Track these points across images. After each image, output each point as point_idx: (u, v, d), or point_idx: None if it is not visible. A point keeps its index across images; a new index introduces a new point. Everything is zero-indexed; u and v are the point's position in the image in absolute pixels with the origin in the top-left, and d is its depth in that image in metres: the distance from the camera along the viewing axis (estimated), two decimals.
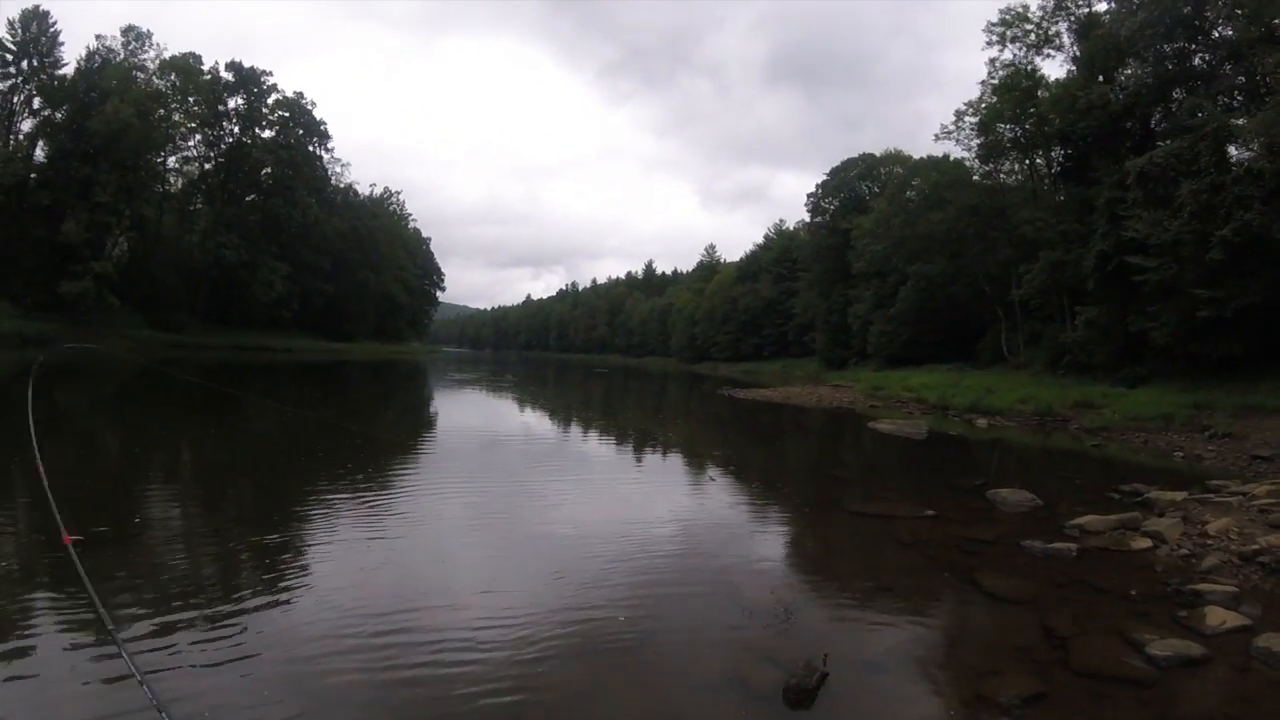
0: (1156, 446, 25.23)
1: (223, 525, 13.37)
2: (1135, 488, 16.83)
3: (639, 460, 23.12)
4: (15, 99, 70.33)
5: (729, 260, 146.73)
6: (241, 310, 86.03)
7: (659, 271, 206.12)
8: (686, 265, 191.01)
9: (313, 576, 10.25)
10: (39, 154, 71.56)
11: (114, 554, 10.56)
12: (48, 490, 11.42)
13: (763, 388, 58.89)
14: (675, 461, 23.35)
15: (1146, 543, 12.22)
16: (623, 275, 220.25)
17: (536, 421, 34.70)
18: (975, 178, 57.41)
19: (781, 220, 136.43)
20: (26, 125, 72.06)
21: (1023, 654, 8.19)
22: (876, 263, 66.95)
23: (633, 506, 15.56)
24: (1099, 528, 13.03)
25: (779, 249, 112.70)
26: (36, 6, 69.19)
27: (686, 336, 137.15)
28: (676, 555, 11.85)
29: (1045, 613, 9.29)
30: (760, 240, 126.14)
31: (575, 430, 31.16)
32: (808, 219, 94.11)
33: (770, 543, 13.49)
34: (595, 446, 26.03)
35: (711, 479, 19.40)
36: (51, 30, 70.09)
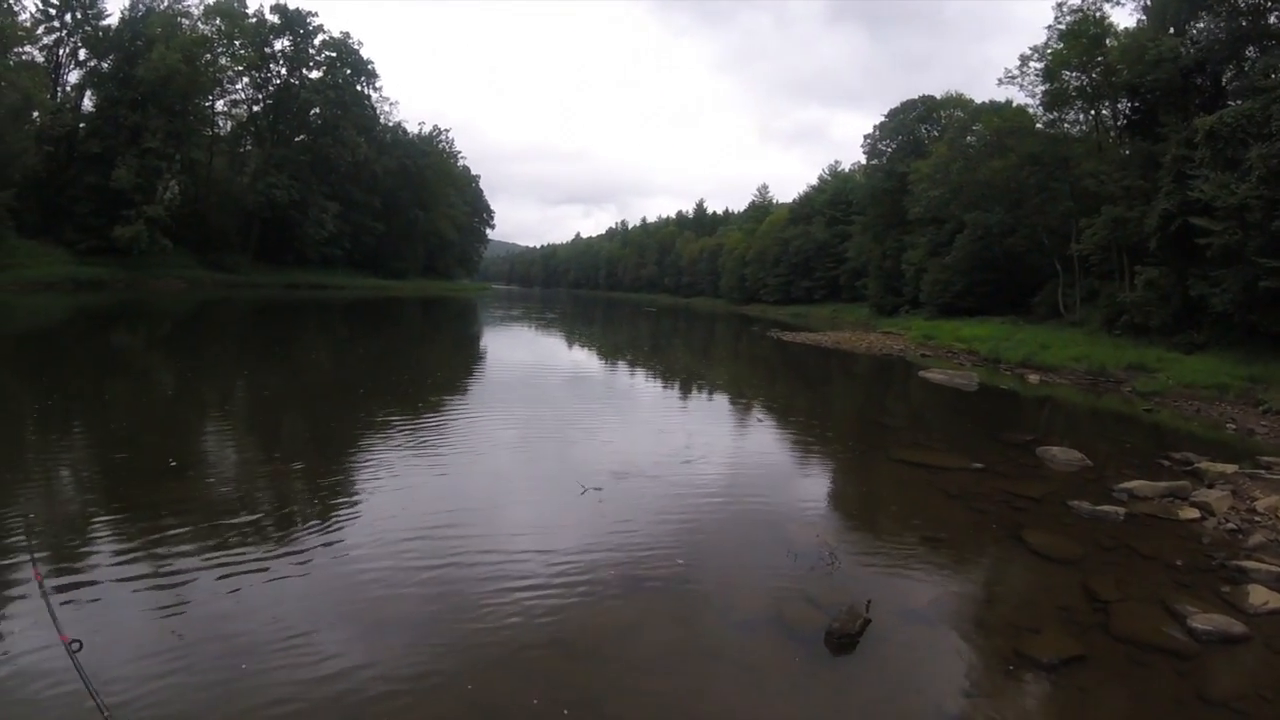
0: (1209, 416, 24.63)
1: (279, 458, 13.93)
2: (1186, 456, 16.50)
3: (686, 400, 23.16)
4: (61, 51, 71.05)
5: (782, 201, 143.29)
6: (293, 249, 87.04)
7: (710, 211, 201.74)
8: (738, 205, 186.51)
9: (364, 508, 10.61)
10: (87, 103, 72.59)
11: (176, 487, 11.18)
12: None
13: (812, 332, 58.57)
14: (722, 402, 23.45)
15: (1194, 513, 12.06)
16: (673, 214, 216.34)
17: (585, 359, 35.06)
18: (1038, 126, 54.96)
19: (837, 162, 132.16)
20: (73, 77, 73.05)
21: (1064, 614, 8.19)
22: (933, 209, 64.55)
23: (680, 445, 15.53)
24: (1147, 494, 12.90)
25: (833, 191, 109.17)
26: None
27: (736, 277, 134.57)
28: (722, 495, 11.96)
29: (1089, 575, 9.25)
30: (814, 182, 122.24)
31: (623, 368, 31.33)
32: (864, 161, 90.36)
33: (816, 487, 13.70)
34: (643, 385, 26.15)
35: (759, 420, 19.53)
36: None
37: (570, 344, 43.40)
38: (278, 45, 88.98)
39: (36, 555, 7.19)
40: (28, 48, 62.70)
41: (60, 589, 7.44)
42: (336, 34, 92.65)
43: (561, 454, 14.74)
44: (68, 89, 72.49)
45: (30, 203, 60.63)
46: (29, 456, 13.10)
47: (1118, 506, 11.94)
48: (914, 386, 29.53)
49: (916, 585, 8.77)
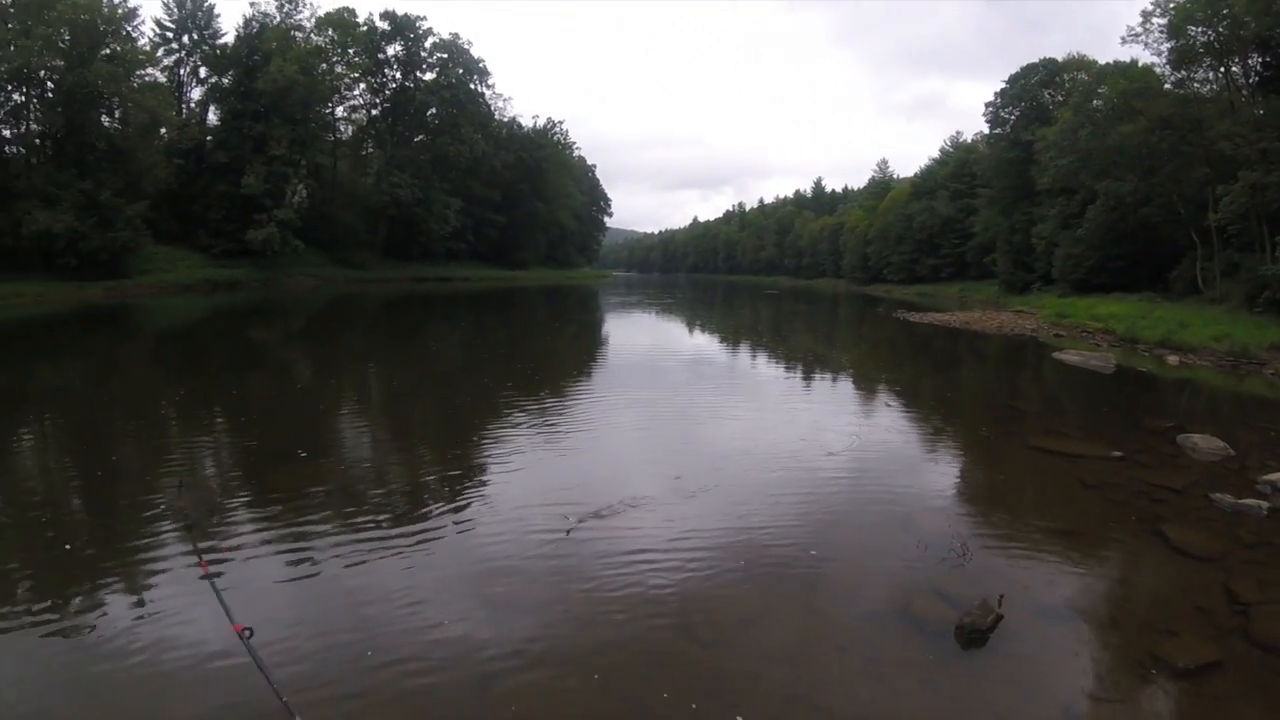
0: None
1: (409, 442, 15.04)
2: None
3: (810, 384, 22.86)
4: (182, 71, 77.18)
5: (903, 176, 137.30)
6: (419, 244, 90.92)
7: (829, 189, 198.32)
8: (857, 182, 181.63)
9: (491, 491, 11.12)
10: (212, 117, 78.05)
11: (312, 471, 12.09)
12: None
13: (939, 312, 56.84)
14: (848, 386, 23.04)
15: None
16: (791, 194, 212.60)
17: (707, 343, 34.97)
18: (1166, 86, 50.91)
19: (958, 133, 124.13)
20: (196, 93, 78.98)
21: (1203, 616, 7.74)
22: (1062, 178, 60.39)
23: (805, 430, 15.36)
24: None
25: (956, 163, 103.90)
26: None
27: (858, 257, 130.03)
28: (850, 481, 11.80)
29: (1230, 574, 8.73)
30: (935, 155, 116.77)
31: (745, 352, 31.27)
32: (986, 131, 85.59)
33: (947, 474, 13.27)
34: (766, 369, 25.99)
35: (887, 405, 19.12)
36: (206, 5, 75.92)
37: (690, 328, 43.49)
38: (390, 51, 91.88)
39: (201, 546, 7.64)
40: (150, 70, 66.51)
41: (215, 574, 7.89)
42: (445, 36, 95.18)
43: (685, 438, 14.84)
44: (192, 105, 78.29)
45: (165, 212, 64.41)
46: (178, 446, 14.46)
47: (1261, 500, 11.16)
48: (1048, 368, 28.31)
49: (1050, 580, 8.47)
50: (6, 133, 58.73)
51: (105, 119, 59.76)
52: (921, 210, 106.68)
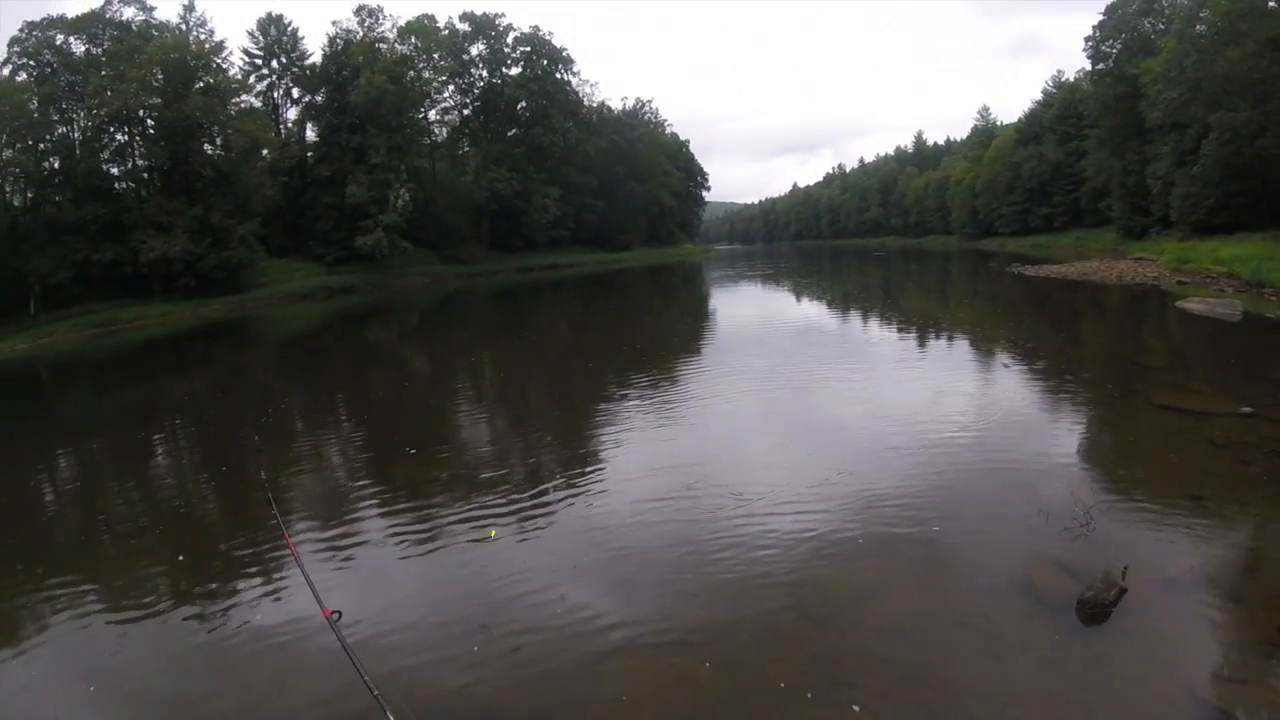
0: None
1: (525, 424, 15.55)
2: None
3: (924, 347, 22.24)
4: (275, 94, 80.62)
5: (1006, 123, 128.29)
6: (522, 235, 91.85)
7: (930, 142, 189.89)
8: (959, 133, 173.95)
9: (606, 470, 11.38)
10: (310, 134, 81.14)
11: (431, 458, 12.86)
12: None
13: (1055, 264, 53.99)
14: (963, 347, 22.29)
15: None
16: (891, 151, 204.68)
17: (815, 311, 34.40)
18: (1272, 4, 47.63)
19: (1060, 72, 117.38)
20: (292, 113, 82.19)
21: None
22: (1172, 112, 56.08)
23: (920, 396, 15.02)
24: None
25: (1061, 105, 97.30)
26: (269, 12, 78.22)
27: (967, 211, 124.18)
28: (968, 448, 11.38)
29: None
30: (1038, 97, 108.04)
31: (855, 318, 30.59)
32: (1089, 68, 78.60)
33: (1068, 436, 12.60)
34: (877, 334, 25.39)
35: (1005, 365, 18.44)
36: (290, 29, 78.85)
37: (797, 297, 42.88)
38: (473, 50, 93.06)
39: (291, 530, 8.77)
40: (244, 96, 69.99)
41: (320, 559, 9.02)
42: (525, 29, 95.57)
43: (797, 409, 14.76)
44: (289, 124, 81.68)
45: (276, 228, 68.20)
46: (304, 442, 15.80)
47: None
48: (1171, 319, 26.65)
49: (1177, 549, 7.99)
50: (114, 170, 62.62)
51: (208, 147, 63.29)
52: (1029, 157, 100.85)
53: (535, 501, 10.36)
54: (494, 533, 9.23)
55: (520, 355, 25.28)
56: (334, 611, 5.80)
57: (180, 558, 9.53)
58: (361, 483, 12.22)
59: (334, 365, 28.09)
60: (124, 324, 50.21)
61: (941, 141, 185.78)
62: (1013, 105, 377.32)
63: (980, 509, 9.08)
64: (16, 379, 34.79)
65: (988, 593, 7.18)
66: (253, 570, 9.00)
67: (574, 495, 10.44)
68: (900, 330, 26.00)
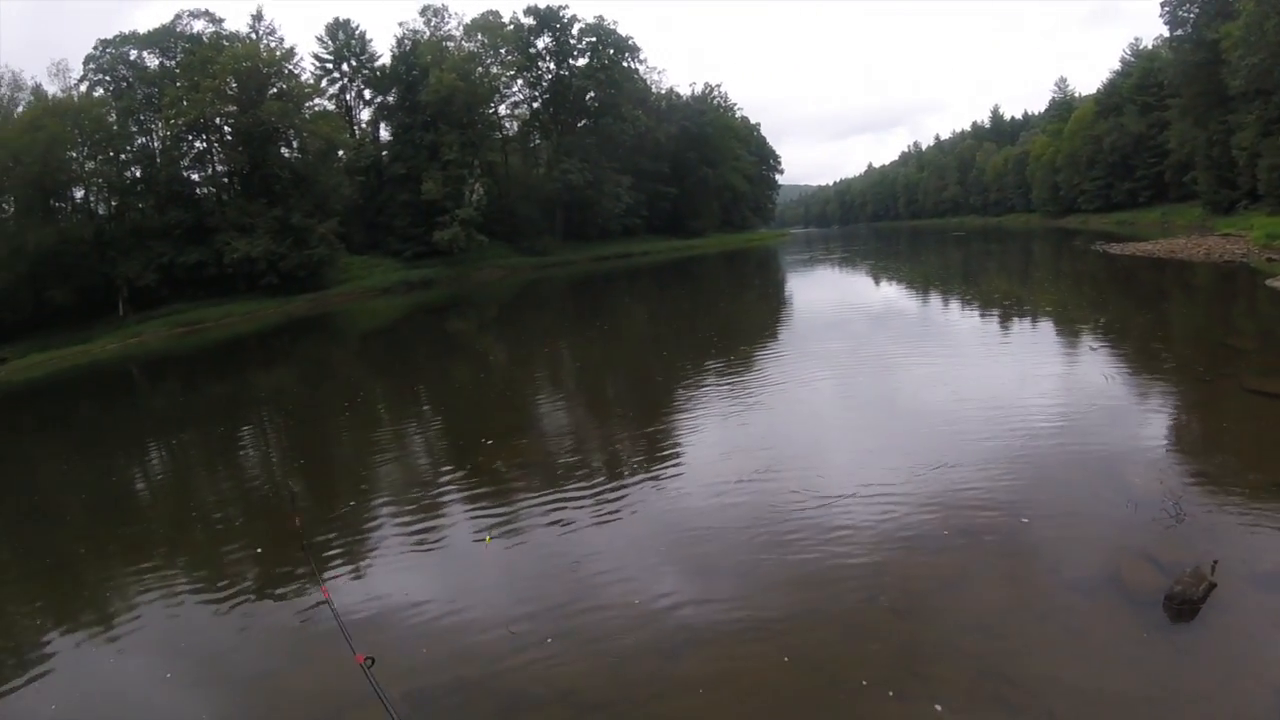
0: None
1: (601, 415, 15.56)
2: None
3: (1007, 329, 21.31)
4: (348, 96, 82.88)
5: (1084, 94, 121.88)
6: (595, 225, 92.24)
7: (1007, 117, 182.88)
8: (1036, 106, 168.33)
9: (686, 456, 11.35)
10: (384, 134, 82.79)
11: (513, 446, 13.06)
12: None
13: (1140, 241, 50.95)
14: (1047, 330, 21.17)
15: None
16: (968, 127, 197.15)
17: (893, 294, 33.55)
18: None
19: (1137, 39, 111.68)
20: (365, 114, 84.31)
21: None
22: (1255, 79, 52.43)
23: (1004, 379, 14.48)
24: None
25: (1140, 73, 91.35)
26: (337, 18, 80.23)
27: (1048, 187, 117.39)
28: (1054, 434, 10.83)
29: None
30: (1117, 67, 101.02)
31: (935, 300, 29.61)
32: (1167, 34, 74.42)
33: (1157, 423, 11.91)
34: (958, 317, 24.56)
35: (1091, 348, 17.41)
36: (358, 32, 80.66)
37: (876, 280, 41.86)
38: (540, 44, 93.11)
39: (373, 515, 9.65)
40: (318, 100, 72.36)
41: (401, 544, 9.48)
42: (590, 20, 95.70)
43: (878, 395, 14.41)
44: (363, 125, 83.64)
45: (355, 225, 69.88)
46: (389, 431, 16.45)
47: None
48: (1262, 298, 24.89)
49: (1269, 543, 7.45)
50: (195, 176, 65.91)
51: (285, 150, 65.32)
52: (1109, 129, 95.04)
53: (613, 487, 10.44)
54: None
55: (595, 344, 25.36)
56: (367, 658, 5.82)
57: (259, 550, 9.93)
58: (442, 470, 12.68)
59: (414, 357, 28.56)
60: (210, 322, 52.09)
61: (1019, 116, 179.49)
62: (1091, 76, 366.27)
63: (1066, 498, 8.66)
64: (108, 377, 35.96)
65: (1073, 586, 6.88)
66: (330, 560, 9.24)
67: (651, 481, 10.50)
68: (982, 312, 25.11)
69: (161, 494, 14.75)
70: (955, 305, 27.57)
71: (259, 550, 9.86)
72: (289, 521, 9.65)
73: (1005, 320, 22.59)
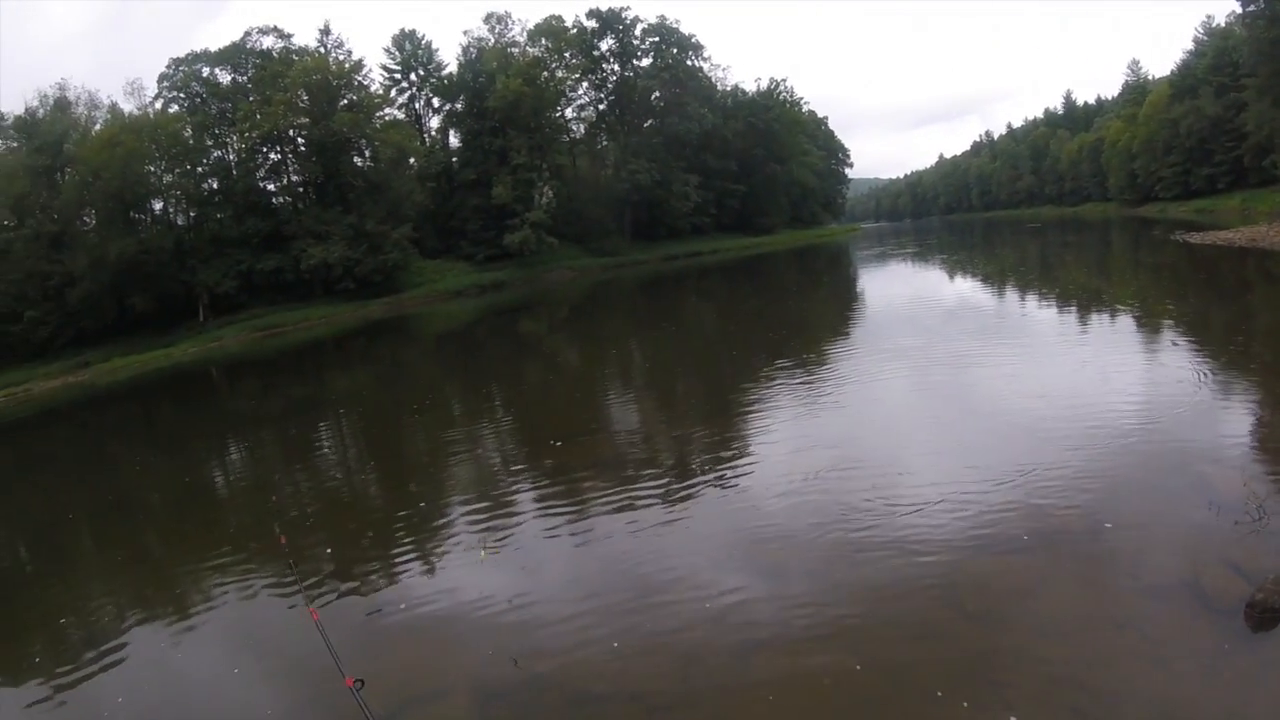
0: None
1: (671, 414, 15.50)
2: None
3: (1084, 324, 20.47)
4: (416, 104, 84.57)
5: (1158, 76, 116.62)
6: (664, 225, 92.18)
7: (1080, 102, 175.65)
8: (1109, 90, 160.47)
9: (756, 456, 11.18)
10: (453, 140, 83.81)
11: (585, 445, 13.07)
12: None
13: (1220, 229, 48.28)
14: (1125, 325, 20.06)
15: None
16: (1040, 114, 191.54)
17: (968, 289, 32.75)
18: None
19: (1210, 17, 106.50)
20: (435, 121, 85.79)
21: None
22: None
23: (1081, 375, 13.82)
24: None
25: (1214, 53, 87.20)
26: (403, 29, 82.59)
27: (1124, 175, 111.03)
28: (1132, 435, 10.31)
29: None
30: (1190, 47, 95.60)
31: (1010, 295, 28.60)
32: (1239, 10, 72.85)
33: (1241, 422, 11.17)
34: (1034, 311, 23.75)
35: (1173, 343, 16.61)
36: (424, 42, 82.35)
37: (950, 274, 40.90)
38: (603, 46, 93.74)
39: (446, 513, 10.06)
40: (388, 109, 73.99)
41: (471, 543, 9.48)
42: (653, 20, 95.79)
43: (954, 391, 14.00)
44: (433, 132, 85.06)
45: (427, 231, 71.58)
46: (462, 431, 16.57)
47: None
48: None
49: None
50: (271, 186, 67.87)
51: (357, 159, 66.88)
52: (1185, 113, 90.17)
53: (682, 485, 10.44)
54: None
55: (665, 344, 25.21)
56: (357, 680, 5.71)
57: (328, 550, 10.18)
58: (512, 468, 12.96)
59: (486, 358, 28.78)
60: (289, 326, 53.50)
61: (1092, 101, 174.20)
62: (1164, 56, 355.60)
63: (1146, 500, 8.24)
64: (189, 379, 36.96)
65: (1152, 593, 6.58)
66: (406, 558, 9.53)
67: (720, 479, 10.42)
68: (1059, 306, 24.19)
69: (236, 491, 15.35)
70: (1031, 299, 26.64)
71: (329, 549, 10.15)
72: (276, 541, 9.73)
73: (1083, 314, 21.91)
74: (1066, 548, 7.38)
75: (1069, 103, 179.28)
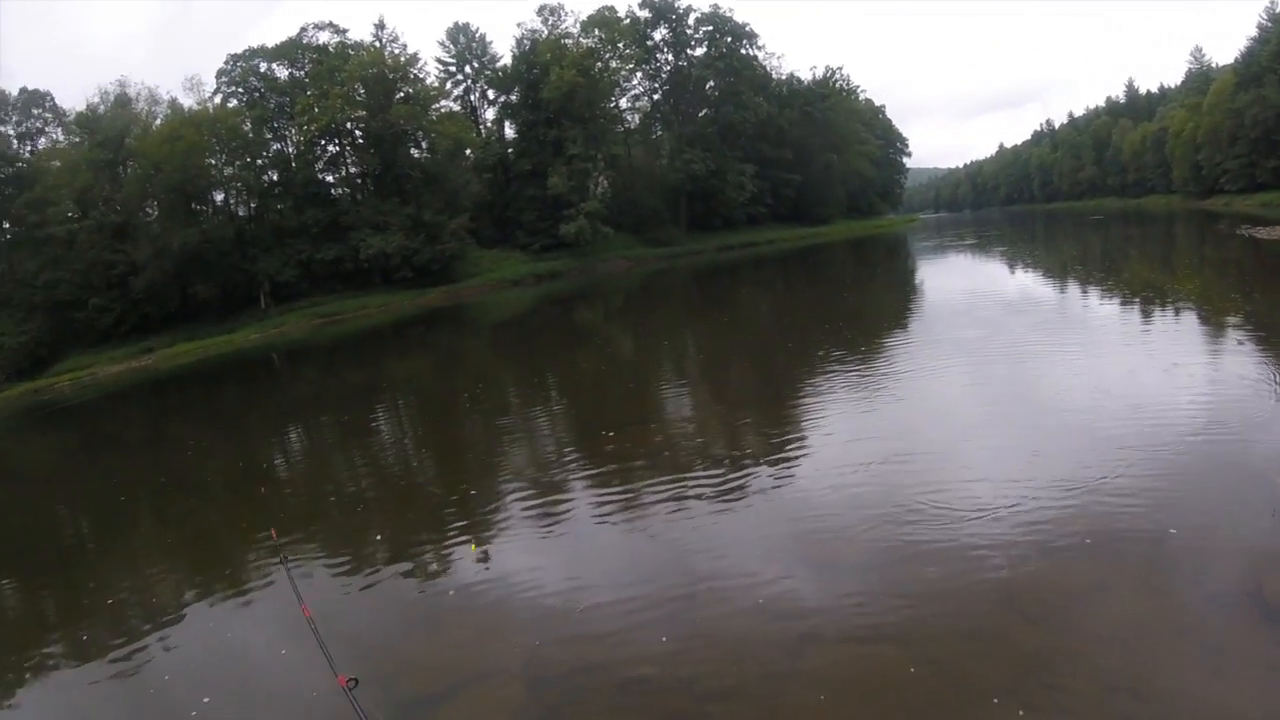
0: None
1: (725, 405, 15.46)
2: None
3: (1147, 322, 19.59)
4: (472, 96, 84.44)
5: (1222, 64, 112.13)
6: (719, 215, 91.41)
7: (1142, 90, 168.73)
8: (1173, 78, 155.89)
9: (811, 450, 11.06)
10: (509, 131, 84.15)
11: (640, 434, 13.10)
12: None
13: None
14: (1189, 323, 19.26)
15: None
16: (1102, 103, 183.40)
17: (1029, 282, 31.77)
18: None
19: (1273, 1, 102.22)
20: (490, 113, 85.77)
21: None
22: None
23: (1146, 374, 13.36)
24: None
25: (1279, 39, 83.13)
26: (456, 22, 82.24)
27: (1188, 166, 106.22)
28: (1196, 437, 9.95)
29: None
30: (1254, 33, 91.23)
31: (1072, 290, 27.70)
32: None
33: None
34: (1095, 308, 22.79)
35: (1239, 343, 15.93)
36: (478, 35, 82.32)
37: (1010, 267, 39.96)
38: (657, 36, 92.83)
39: (500, 503, 10.23)
40: (443, 101, 74.66)
41: (527, 528, 9.76)
42: (706, 9, 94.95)
43: (1013, 386, 13.73)
44: (488, 124, 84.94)
45: (484, 221, 72.03)
46: (518, 419, 16.86)
47: None
48: None
49: None
50: (329, 178, 69.40)
51: (414, 151, 67.75)
52: (1251, 102, 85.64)
53: (736, 476, 10.33)
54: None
55: (719, 334, 25.12)
56: (350, 679, 5.54)
57: (379, 537, 10.35)
58: (566, 455, 12.97)
59: (541, 346, 29.10)
60: (348, 314, 54.46)
61: (1155, 89, 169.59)
62: (1228, 43, 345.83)
63: (1212, 505, 7.95)
64: (250, 364, 37.64)
65: (1213, 600, 6.38)
66: (456, 541, 9.66)
67: (773, 471, 10.34)
68: (1122, 302, 23.36)
69: (295, 473, 15.91)
70: (1093, 294, 25.85)
71: (378, 534, 10.40)
72: (271, 535, 9.93)
73: (1146, 310, 21.17)
74: (1129, 552, 7.20)
75: (1131, 91, 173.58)
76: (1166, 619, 6.21)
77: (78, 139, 61.55)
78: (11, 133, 64.26)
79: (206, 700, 6.77)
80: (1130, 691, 5.39)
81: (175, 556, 11.10)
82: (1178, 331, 17.81)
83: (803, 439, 11.64)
